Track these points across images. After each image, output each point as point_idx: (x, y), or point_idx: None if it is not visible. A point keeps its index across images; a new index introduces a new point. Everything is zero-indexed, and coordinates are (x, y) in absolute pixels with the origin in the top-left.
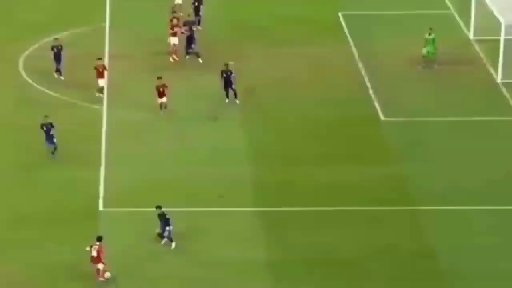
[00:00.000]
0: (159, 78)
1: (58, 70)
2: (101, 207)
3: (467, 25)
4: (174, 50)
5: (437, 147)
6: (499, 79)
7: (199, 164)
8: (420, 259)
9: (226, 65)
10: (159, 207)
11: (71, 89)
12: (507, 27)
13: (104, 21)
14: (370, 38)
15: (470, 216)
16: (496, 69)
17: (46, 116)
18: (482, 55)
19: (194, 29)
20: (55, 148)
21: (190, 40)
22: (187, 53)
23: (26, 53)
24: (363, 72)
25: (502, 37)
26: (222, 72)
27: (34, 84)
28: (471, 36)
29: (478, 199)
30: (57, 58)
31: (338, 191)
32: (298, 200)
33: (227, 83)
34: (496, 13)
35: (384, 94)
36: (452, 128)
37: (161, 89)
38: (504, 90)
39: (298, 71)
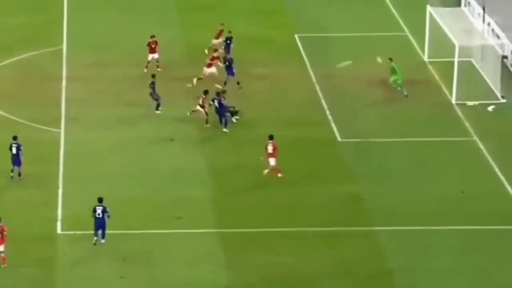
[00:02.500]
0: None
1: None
2: (59, 230)
3: (422, 47)
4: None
5: (393, 167)
6: (453, 100)
7: (159, 185)
8: (378, 279)
9: (218, 93)
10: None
11: (28, 111)
12: (460, 49)
13: (62, 43)
14: (326, 60)
15: (427, 236)
16: (450, 91)
17: (15, 137)
18: (436, 76)
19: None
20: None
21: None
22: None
23: None
24: (319, 93)
25: (456, 59)
26: (214, 100)
27: None
28: (425, 58)
29: (434, 219)
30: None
31: (297, 212)
32: (258, 221)
33: (219, 109)
34: (450, 35)
35: (340, 115)
36: (408, 148)
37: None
38: (458, 111)
39: (255, 92)
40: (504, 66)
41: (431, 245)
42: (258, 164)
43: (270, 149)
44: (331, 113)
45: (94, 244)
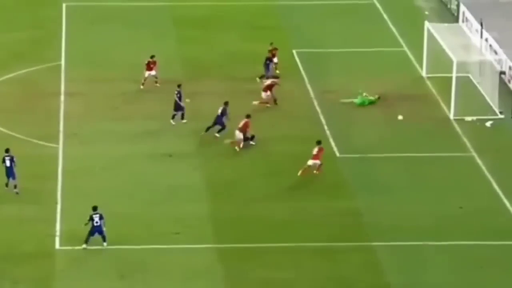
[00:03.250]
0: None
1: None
2: (57, 246)
3: (420, 62)
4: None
5: (391, 183)
6: (451, 115)
7: (156, 200)
8: None
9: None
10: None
11: (26, 126)
12: (458, 65)
13: (60, 59)
14: (324, 75)
15: (425, 251)
16: (448, 106)
17: (7, 150)
18: (434, 92)
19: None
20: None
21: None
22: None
23: None
24: (318, 108)
25: (454, 75)
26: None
27: None
28: (423, 73)
29: (432, 234)
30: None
31: (295, 227)
32: (256, 237)
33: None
34: (448, 51)
35: (339, 131)
36: (406, 164)
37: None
38: (456, 126)
39: (254, 108)
40: (502, 82)
41: (429, 261)
42: (256, 179)
43: (315, 151)
44: (329, 129)
45: (84, 248)
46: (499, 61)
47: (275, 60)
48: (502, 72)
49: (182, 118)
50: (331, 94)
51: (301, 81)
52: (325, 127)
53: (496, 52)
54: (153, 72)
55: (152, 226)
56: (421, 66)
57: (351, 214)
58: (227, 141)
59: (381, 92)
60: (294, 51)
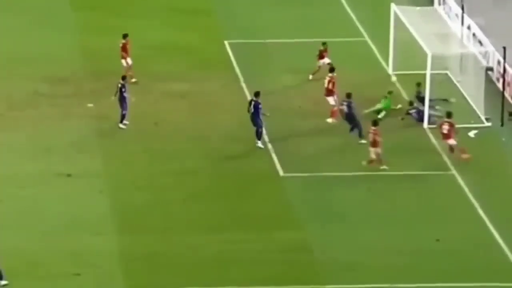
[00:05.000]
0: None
1: None
2: None
3: (385, 56)
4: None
5: (349, 209)
6: (425, 124)
7: (50, 233)
8: None
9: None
10: None
11: None
12: (433, 59)
13: None
14: (264, 72)
15: None
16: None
17: None
18: (404, 94)
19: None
20: None
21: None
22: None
23: None
24: None
25: (428, 72)
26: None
27: None
28: (389, 70)
29: (401, 275)
30: None
31: (227, 266)
32: (176, 279)
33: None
34: (420, 41)
35: (283, 144)
36: (368, 184)
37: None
38: (431, 137)
39: (175, 114)
40: (488, 80)
41: None
42: (178, 205)
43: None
44: (271, 141)
45: None
46: (485, 54)
47: (327, 60)
48: (489, 68)
49: (122, 120)
50: (272, 96)
51: (234, 80)
52: (266, 139)
53: (481, 43)
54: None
55: (45, 265)
56: (386, 61)
57: (297, 249)
58: (364, 163)
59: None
60: (226, 42)
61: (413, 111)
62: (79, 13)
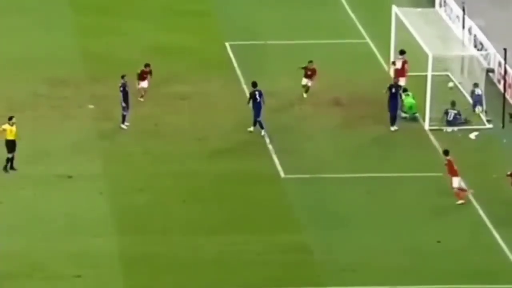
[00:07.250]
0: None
1: None
2: None
3: (386, 58)
4: None
5: (349, 211)
6: (426, 125)
7: (51, 235)
8: None
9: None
10: None
11: None
12: (434, 61)
13: None
14: (265, 74)
15: None
16: (422, 113)
17: None
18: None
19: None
20: None
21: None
22: None
23: None
24: None
25: (429, 73)
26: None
27: None
28: (391, 71)
29: (402, 277)
30: None
31: (227, 267)
32: (177, 279)
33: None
34: (421, 43)
35: (284, 145)
36: (368, 186)
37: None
38: (432, 138)
39: (175, 115)
40: (489, 82)
41: None
42: (178, 207)
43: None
44: (272, 142)
45: None
46: (486, 56)
47: (310, 82)
48: (490, 70)
49: (123, 121)
50: (273, 98)
51: (235, 81)
52: (267, 141)
53: (482, 45)
54: (145, 84)
55: (45, 267)
56: (387, 63)
57: (298, 251)
58: (471, 191)
59: (337, 95)
60: (227, 44)
61: (453, 112)
62: (79, 14)
